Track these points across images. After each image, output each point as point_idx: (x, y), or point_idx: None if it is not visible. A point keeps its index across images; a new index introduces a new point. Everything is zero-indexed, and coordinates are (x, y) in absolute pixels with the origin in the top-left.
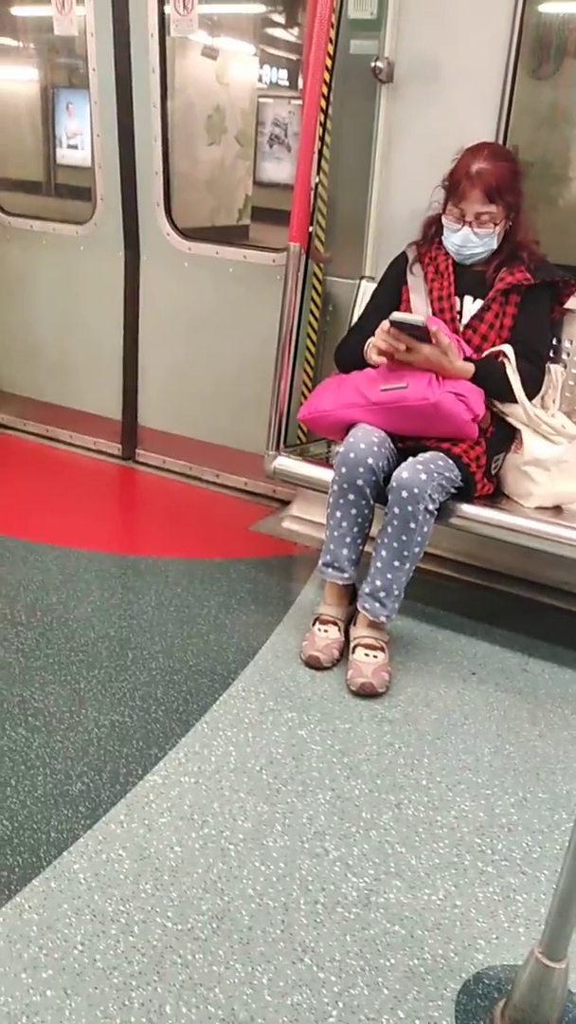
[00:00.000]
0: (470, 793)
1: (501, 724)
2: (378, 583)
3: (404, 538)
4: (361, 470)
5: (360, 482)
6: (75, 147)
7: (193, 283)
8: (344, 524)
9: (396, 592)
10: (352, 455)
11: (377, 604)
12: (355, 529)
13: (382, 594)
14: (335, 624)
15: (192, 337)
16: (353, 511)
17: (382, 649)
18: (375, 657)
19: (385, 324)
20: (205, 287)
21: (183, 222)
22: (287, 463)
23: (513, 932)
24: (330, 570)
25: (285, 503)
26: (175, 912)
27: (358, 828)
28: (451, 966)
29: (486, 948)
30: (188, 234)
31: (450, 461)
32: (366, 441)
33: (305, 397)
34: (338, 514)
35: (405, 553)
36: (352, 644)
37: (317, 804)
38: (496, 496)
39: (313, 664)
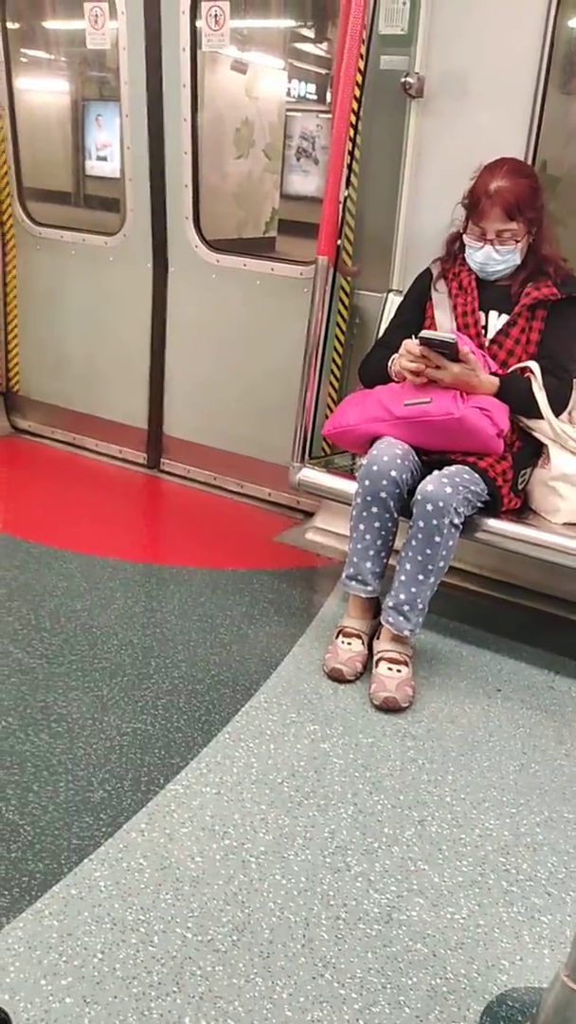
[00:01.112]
0: (495, 811)
1: (527, 742)
2: (402, 596)
3: (428, 552)
4: (385, 482)
5: (384, 494)
6: (104, 159)
7: (220, 295)
8: (368, 537)
9: (420, 606)
10: (376, 467)
11: (401, 618)
12: (379, 542)
13: (406, 608)
14: (359, 637)
15: (218, 348)
16: (377, 524)
17: (406, 663)
18: (399, 671)
19: (409, 342)
20: (232, 299)
21: (210, 234)
22: (312, 475)
23: (538, 953)
24: (353, 583)
25: (309, 514)
26: (195, 923)
27: (380, 844)
28: (474, 986)
29: (510, 969)
30: (216, 246)
31: (476, 475)
32: (389, 454)
33: (331, 408)
34: (362, 527)
35: (429, 567)
36: (376, 658)
37: (339, 818)
38: (523, 511)
39: (336, 677)
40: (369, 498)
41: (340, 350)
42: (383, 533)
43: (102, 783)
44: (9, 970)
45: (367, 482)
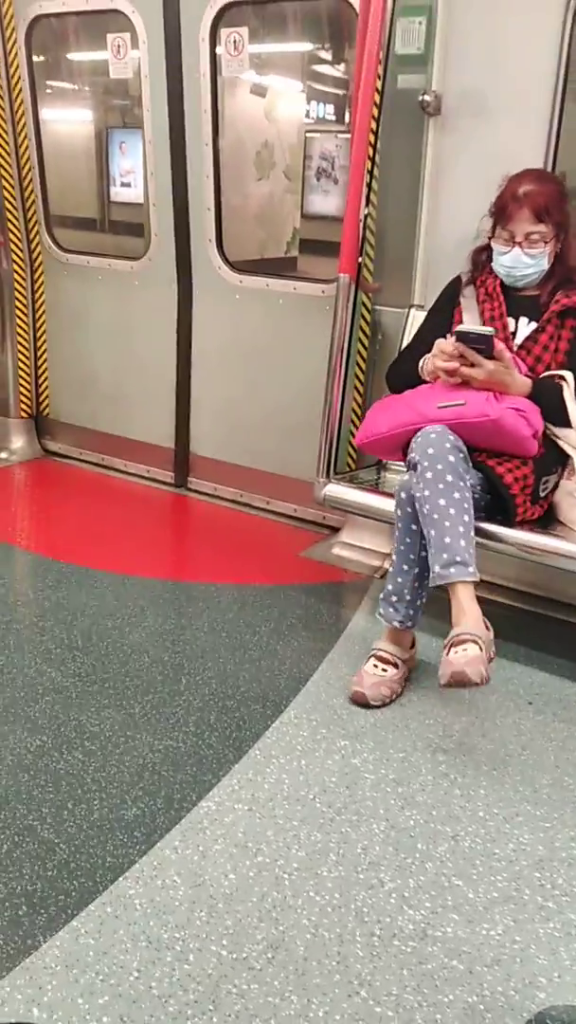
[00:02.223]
0: (528, 826)
1: (559, 755)
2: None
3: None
4: (448, 446)
5: (452, 458)
6: (128, 185)
7: (244, 315)
8: (452, 512)
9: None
10: (434, 435)
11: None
12: (466, 517)
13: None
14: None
15: (243, 367)
16: (456, 495)
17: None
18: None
19: (442, 341)
20: (256, 318)
21: (233, 255)
22: (337, 490)
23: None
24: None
25: (335, 529)
26: (230, 941)
27: (414, 859)
28: (511, 1004)
29: (548, 987)
30: (238, 267)
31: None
32: (437, 429)
33: (355, 424)
34: (442, 501)
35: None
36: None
37: (372, 834)
38: (549, 522)
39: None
40: (440, 466)
41: (363, 366)
42: (466, 506)
43: (135, 801)
44: (47, 988)
45: (430, 450)
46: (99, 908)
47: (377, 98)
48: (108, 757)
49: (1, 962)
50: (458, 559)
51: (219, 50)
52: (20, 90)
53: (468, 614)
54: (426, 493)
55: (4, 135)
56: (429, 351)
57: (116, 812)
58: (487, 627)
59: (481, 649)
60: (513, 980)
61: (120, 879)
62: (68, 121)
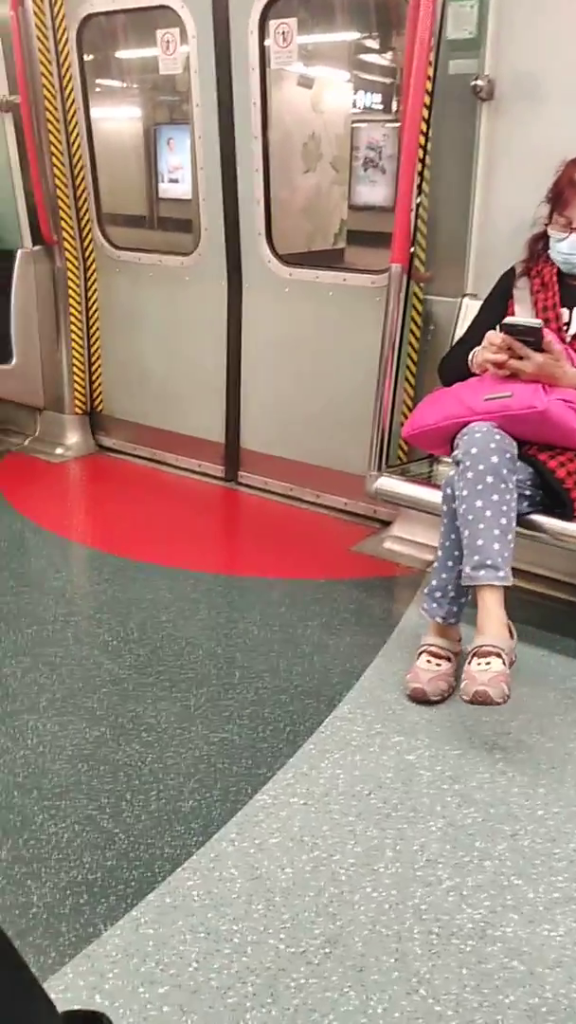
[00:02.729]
0: None
1: None
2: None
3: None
4: (493, 446)
5: (495, 459)
6: (176, 181)
7: (294, 308)
8: (488, 513)
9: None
10: (478, 434)
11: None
12: (503, 520)
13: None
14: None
15: (293, 360)
16: (495, 497)
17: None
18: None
19: (492, 333)
20: (305, 311)
21: (281, 248)
22: (389, 483)
23: None
24: (482, 570)
25: (386, 523)
26: (287, 935)
27: (472, 858)
28: (575, 1007)
29: None
30: (287, 260)
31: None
32: (483, 428)
33: (407, 416)
34: (479, 503)
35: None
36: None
37: (428, 831)
38: None
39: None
40: (481, 467)
41: (414, 357)
42: (504, 508)
43: (192, 793)
44: (108, 976)
45: (473, 449)
46: (158, 898)
47: (428, 85)
48: (165, 749)
49: (64, 949)
50: (488, 562)
51: (268, 42)
52: (71, 90)
53: (493, 620)
54: (464, 493)
55: (56, 134)
56: (480, 345)
57: (173, 803)
58: (511, 633)
59: (504, 663)
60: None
61: (178, 870)
62: (117, 119)
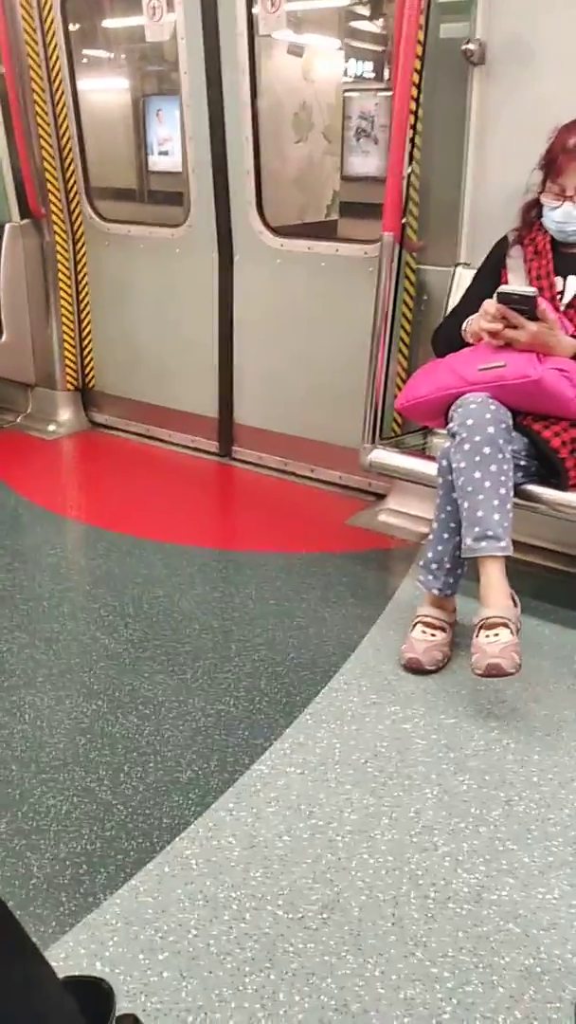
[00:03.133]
0: None
1: None
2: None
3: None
4: (488, 416)
5: (491, 429)
6: (165, 153)
7: (286, 279)
8: (487, 484)
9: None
10: (473, 405)
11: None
12: (502, 491)
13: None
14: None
15: (285, 333)
16: (493, 468)
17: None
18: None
19: (487, 302)
20: (297, 283)
21: (272, 221)
22: (383, 455)
23: None
24: (479, 542)
25: (380, 496)
26: (285, 901)
27: (467, 824)
28: (569, 968)
29: None
30: (278, 231)
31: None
32: (478, 399)
33: (401, 387)
34: (477, 474)
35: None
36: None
37: (424, 798)
38: None
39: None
40: (478, 438)
41: (408, 327)
42: (503, 479)
43: (189, 764)
44: (108, 944)
45: (469, 420)
46: (157, 867)
47: (419, 49)
48: (162, 721)
49: (64, 918)
50: (490, 533)
51: (255, 8)
52: (57, 59)
53: (497, 591)
54: (462, 465)
55: (42, 104)
56: (474, 314)
57: (171, 774)
58: (515, 602)
59: (512, 632)
60: (570, 944)
61: (176, 839)
62: (105, 90)
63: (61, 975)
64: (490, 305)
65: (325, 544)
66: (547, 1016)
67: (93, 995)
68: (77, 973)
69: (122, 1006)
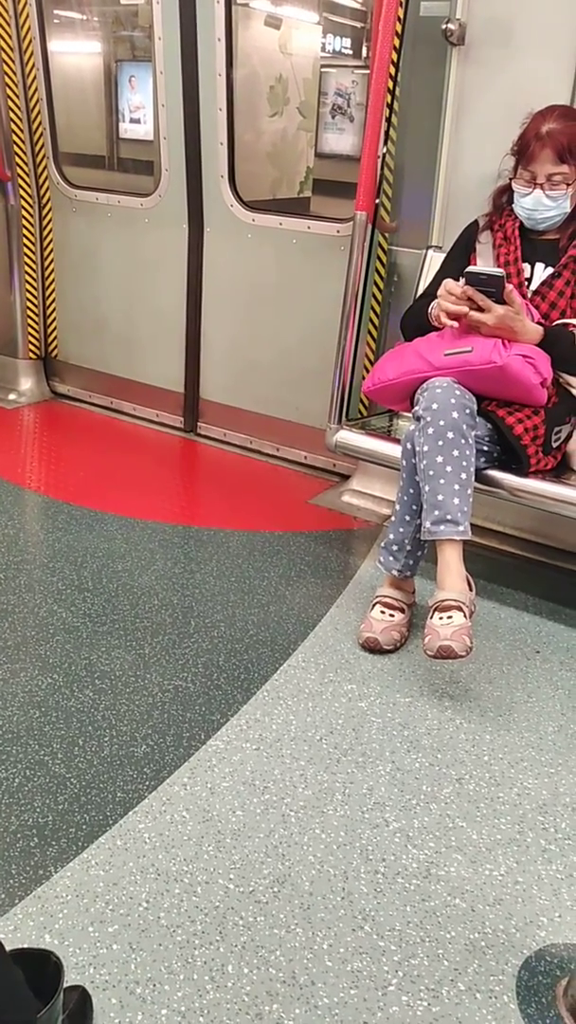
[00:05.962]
0: (533, 771)
1: (565, 703)
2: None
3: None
4: (453, 401)
5: (456, 414)
6: (137, 121)
7: (256, 255)
8: (449, 469)
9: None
10: (439, 389)
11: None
12: (463, 475)
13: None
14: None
15: (254, 309)
16: (455, 452)
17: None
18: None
19: (450, 282)
20: (268, 259)
21: (244, 195)
22: (349, 436)
23: None
24: (442, 527)
25: (344, 477)
26: (237, 874)
27: (418, 801)
28: (512, 942)
29: (548, 926)
30: (250, 205)
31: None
32: (444, 384)
33: (368, 369)
34: (440, 458)
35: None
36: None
37: (377, 775)
38: (563, 471)
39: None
40: (442, 423)
41: (377, 309)
42: (464, 464)
43: (145, 738)
44: (58, 917)
45: (435, 405)
46: (109, 841)
47: (399, 27)
48: (118, 696)
49: (13, 891)
50: (449, 517)
51: None
52: (27, 17)
53: (453, 574)
54: (425, 449)
55: (11, 64)
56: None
57: (126, 749)
58: (470, 586)
59: (466, 616)
60: (515, 919)
61: (130, 813)
62: (76, 53)
63: (9, 947)
64: (454, 286)
65: (288, 523)
66: (490, 988)
67: (41, 968)
68: (26, 946)
69: (70, 978)
